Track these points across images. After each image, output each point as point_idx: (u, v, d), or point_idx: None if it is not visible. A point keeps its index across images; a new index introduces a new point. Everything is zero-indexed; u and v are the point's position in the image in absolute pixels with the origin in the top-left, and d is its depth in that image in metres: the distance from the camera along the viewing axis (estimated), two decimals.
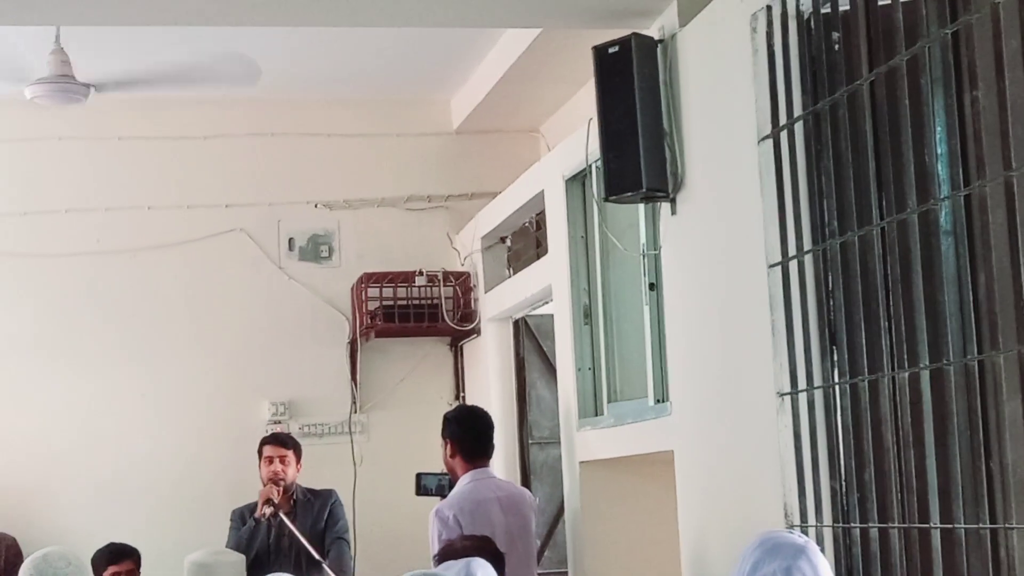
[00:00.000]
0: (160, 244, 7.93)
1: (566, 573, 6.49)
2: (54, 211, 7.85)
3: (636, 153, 4.87)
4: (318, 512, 7.00)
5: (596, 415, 6.02)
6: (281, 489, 6.90)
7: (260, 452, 7.11)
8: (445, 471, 6.36)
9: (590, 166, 5.77)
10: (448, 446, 6.19)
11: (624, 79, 4.90)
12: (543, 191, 6.56)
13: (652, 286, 5.32)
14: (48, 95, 6.93)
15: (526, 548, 5.95)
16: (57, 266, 7.82)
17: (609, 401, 5.90)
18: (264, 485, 6.99)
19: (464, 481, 6.10)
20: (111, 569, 6.50)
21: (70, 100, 7.00)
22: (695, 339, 4.83)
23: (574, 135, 5.96)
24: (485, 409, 6.59)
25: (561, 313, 6.30)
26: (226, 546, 6.78)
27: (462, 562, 3.68)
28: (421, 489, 6.80)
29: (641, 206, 5.31)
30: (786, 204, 4.13)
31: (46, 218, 7.85)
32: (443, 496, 6.28)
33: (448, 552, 4.98)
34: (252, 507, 7.01)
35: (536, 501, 7.32)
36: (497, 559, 5.02)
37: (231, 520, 7.07)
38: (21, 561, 6.86)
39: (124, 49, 7.04)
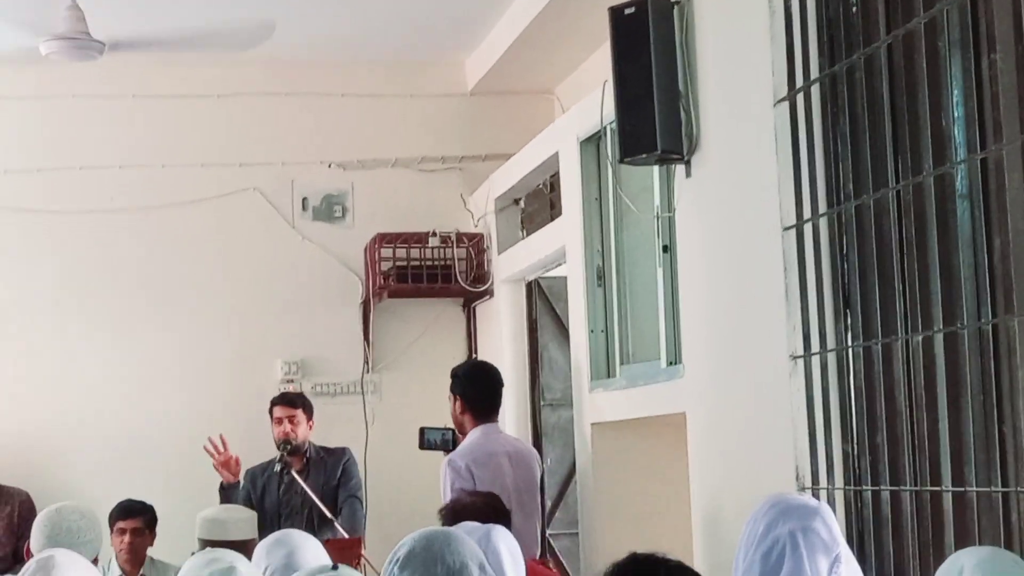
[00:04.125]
0: (174, 203, 7.93)
1: (577, 534, 6.51)
2: (68, 168, 7.85)
3: (651, 115, 4.86)
4: (331, 470, 7.03)
5: (608, 377, 6.02)
6: (289, 452, 6.90)
7: (271, 412, 7.14)
8: (448, 426, 6.41)
9: (605, 128, 5.76)
10: (457, 402, 6.23)
11: (640, 40, 4.88)
12: (557, 153, 6.55)
13: (666, 248, 5.31)
14: (63, 51, 6.94)
15: (532, 504, 5.99)
16: (71, 223, 7.84)
17: (621, 363, 5.90)
18: (276, 446, 7.02)
19: (475, 435, 6.15)
20: (119, 524, 6.54)
21: (85, 57, 7.01)
22: (709, 301, 4.83)
23: (589, 97, 5.94)
24: (494, 365, 6.62)
25: (574, 275, 6.30)
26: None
27: (483, 529, 3.67)
28: (425, 443, 6.84)
29: (656, 168, 5.29)
30: (801, 167, 4.13)
31: (60, 175, 7.85)
32: (447, 451, 6.32)
33: (457, 507, 5.00)
34: (263, 466, 7.04)
35: (548, 462, 7.39)
36: (503, 517, 5.05)
37: (243, 478, 7.11)
38: (33, 516, 6.93)
39: (139, 6, 7.03)
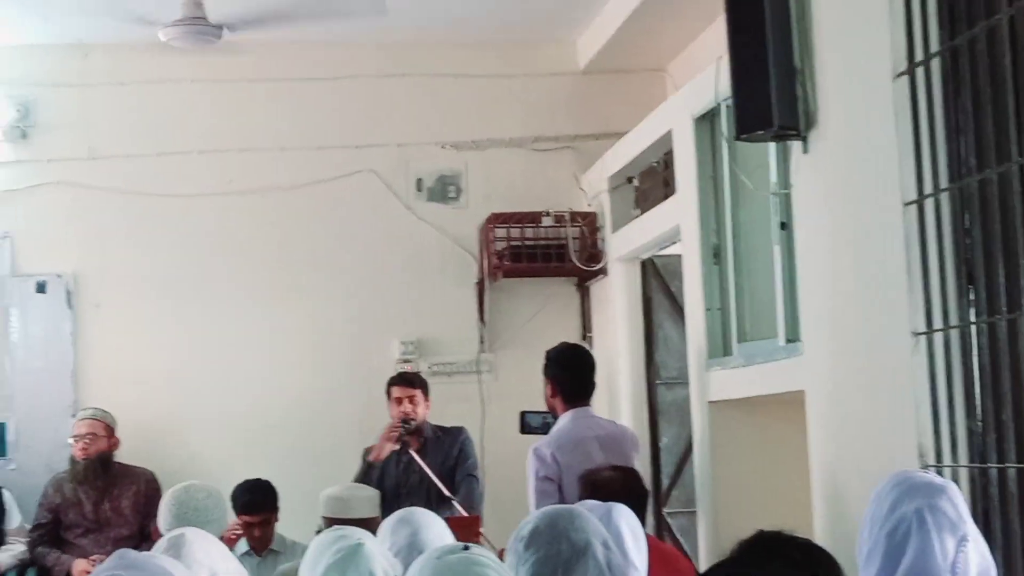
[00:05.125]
0: (291, 185, 8.03)
1: (694, 513, 6.50)
2: (187, 152, 7.98)
3: (767, 91, 4.81)
4: (448, 449, 7.08)
5: (725, 355, 6.00)
6: (396, 435, 6.94)
7: (388, 392, 7.20)
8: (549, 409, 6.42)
9: (719, 104, 5.72)
10: (549, 385, 6.23)
11: (755, 15, 4.83)
12: (671, 130, 6.53)
13: (783, 225, 5.26)
14: (181, 37, 7.06)
15: None
16: (190, 207, 7.97)
17: (739, 341, 5.87)
18: (394, 425, 7.06)
19: (564, 420, 6.14)
20: (244, 518, 6.60)
21: (203, 42, 7.13)
22: (828, 278, 4.78)
23: (703, 73, 5.91)
24: (587, 348, 6.61)
25: (690, 253, 6.28)
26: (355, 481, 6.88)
27: (604, 507, 3.67)
28: (525, 427, 6.86)
29: (772, 144, 5.25)
30: (922, 141, 4.07)
31: (179, 159, 7.98)
32: (547, 434, 6.33)
33: (593, 479, 5.00)
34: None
35: (664, 441, 7.38)
36: (641, 496, 5.05)
37: (363, 457, 7.18)
38: (159, 495, 7.04)
39: None
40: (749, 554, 2.42)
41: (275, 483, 6.90)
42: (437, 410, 7.27)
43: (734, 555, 2.44)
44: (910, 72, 4.11)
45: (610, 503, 3.79)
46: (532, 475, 6.07)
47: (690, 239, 6.25)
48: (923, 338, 4.04)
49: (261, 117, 8.06)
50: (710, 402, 6.05)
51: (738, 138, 5.01)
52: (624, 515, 3.73)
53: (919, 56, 4.08)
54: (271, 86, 8.05)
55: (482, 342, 8.08)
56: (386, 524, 3.93)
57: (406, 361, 7.95)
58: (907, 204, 4.11)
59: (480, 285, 8.07)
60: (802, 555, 2.41)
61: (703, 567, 5.98)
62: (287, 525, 6.95)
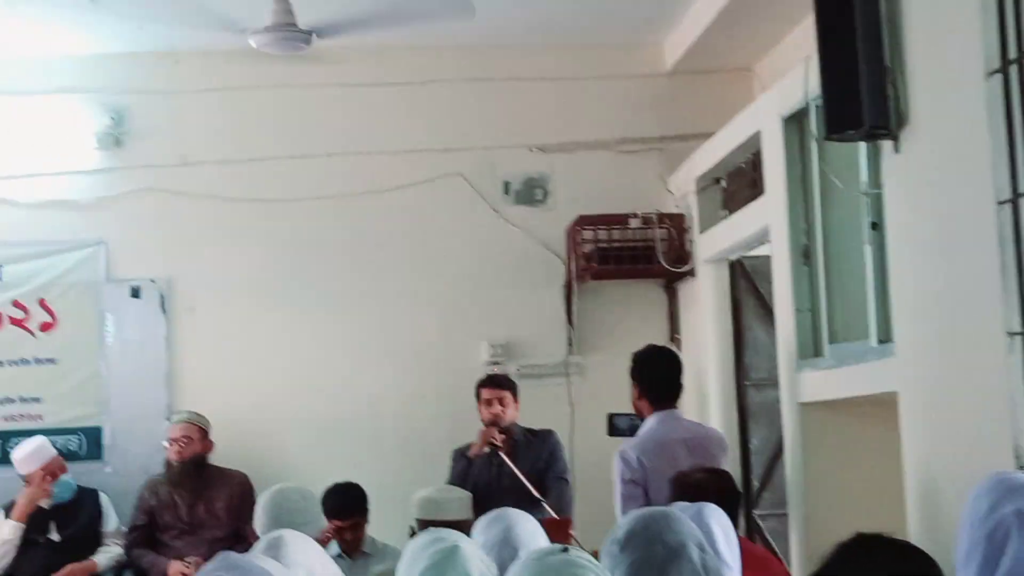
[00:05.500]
0: (380, 189, 8.09)
1: (785, 515, 6.46)
2: (277, 157, 8.06)
3: (857, 90, 4.78)
4: (538, 452, 7.10)
5: (816, 356, 5.97)
6: (501, 432, 7.00)
7: (478, 394, 7.24)
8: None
9: (808, 104, 5.69)
10: (635, 387, 6.22)
11: (844, 14, 4.80)
12: (759, 131, 6.50)
13: (874, 225, 5.22)
14: (272, 43, 7.13)
15: None
16: (281, 211, 8.05)
17: (830, 342, 5.84)
18: (485, 426, 7.12)
19: (650, 422, 6.13)
20: (335, 523, 6.63)
21: (293, 48, 7.20)
22: (920, 278, 4.75)
23: (791, 73, 5.89)
24: (675, 350, 6.58)
25: (779, 254, 6.25)
26: (447, 483, 6.91)
27: (694, 507, 3.67)
28: (613, 430, 6.86)
29: (862, 144, 5.21)
30: (1016, 139, 4.02)
31: (269, 164, 8.06)
32: (635, 436, 6.32)
33: (685, 481, 5.00)
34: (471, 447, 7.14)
35: (754, 443, 7.35)
36: (733, 498, 5.03)
37: (452, 459, 7.23)
38: (252, 497, 7.13)
39: None
40: (848, 556, 2.41)
41: (365, 486, 6.93)
42: (526, 412, 7.30)
43: (833, 557, 2.43)
44: (1003, 70, 4.07)
45: (701, 503, 3.79)
46: (617, 478, 6.07)
47: (779, 240, 6.22)
48: (1018, 338, 4.00)
49: (349, 122, 8.12)
50: (801, 404, 6.02)
51: (828, 138, 4.99)
52: (715, 514, 3.72)
53: (1012, 54, 4.04)
54: (359, 91, 8.11)
55: (570, 344, 8.09)
56: (480, 523, 3.95)
57: (495, 364, 7.98)
58: (1000, 203, 4.07)
59: (568, 287, 8.08)
60: (902, 556, 2.40)
61: (795, 570, 5.96)
62: (377, 527, 7.00)
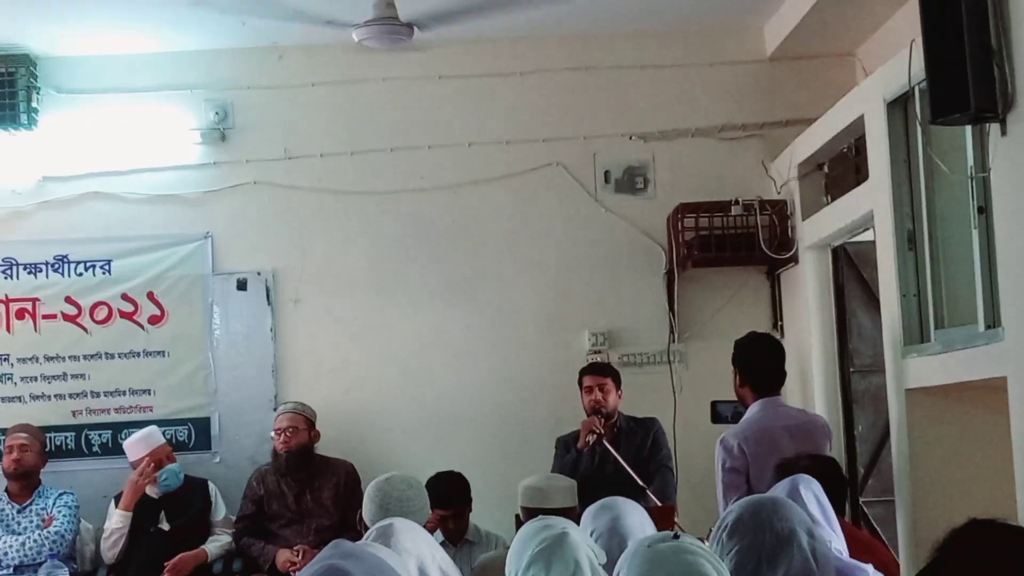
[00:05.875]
0: (481, 179, 8.12)
1: (891, 502, 6.42)
2: (380, 150, 8.11)
3: (963, 73, 4.74)
4: (641, 440, 7.11)
5: (922, 342, 5.91)
6: (603, 420, 7.02)
7: (580, 382, 7.26)
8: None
9: (913, 88, 5.64)
10: (738, 375, 6.21)
11: None
12: (863, 115, 6.45)
13: (981, 210, 5.17)
14: (374, 37, 7.20)
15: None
16: (383, 203, 8.10)
17: (936, 328, 5.78)
18: (587, 415, 7.13)
19: (753, 410, 6.14)
20: (438, 512, 6.68)
21: (395, 42, 7.26)
22: None
23: (895, 57, 5.83)
24: (777, 337, 6.55)
25: (883, 239, 6.20)
26: (551, 472, 6.94)
27: (788, 479, 3.68)
28: (716, 417, 6.88)
29: (968, 128, 5.16)
30: None
31: (372, 157, 8.12)
32: (738, 423, 6.32)
33: (788, 469, 4.99)
34: (575, 435, 7.16)
35: (859, 429, 7.29)
36: (839, 485, 5.01)
37: (556, 448, 7.25)
38: (358, 486, 7.23)
39: None
40: (963, 541, 2.39)
41: (468, 474, 7.00)
42: (628, 400, 7.31)
43: (947, 543, 2.41)
44: None
45: (798, 475, 3.80)
46: (719, 466, 6.08)
47: (883, 225, 6.16)
48: None
49: (450, 113, 8.16)
50: (907, 390, 5.97)
51: (933, 122, 4.94)
52: (806, 482, 3.74)
53: None
54: (459, 82, 8.14)
55: (672, 332, 8.06)
56: (588, 511, 3.98)
57: (596, 352, 7.98)
58: None
59: (669, 275, 8.05)
60: (1019, 541, 2.38)
61: (902, 556, 5.92)
62: (481, 515, 7.05)
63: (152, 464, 7.43)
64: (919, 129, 5.78)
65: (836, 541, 3.77)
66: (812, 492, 3.86)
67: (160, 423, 7.80)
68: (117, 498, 7.48)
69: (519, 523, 5.17)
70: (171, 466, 7.50)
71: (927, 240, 5.85)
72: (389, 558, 2.78)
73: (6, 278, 8.00)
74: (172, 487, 7.48)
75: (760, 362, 6.32)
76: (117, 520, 7.37)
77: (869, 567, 3.80)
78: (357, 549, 2.70)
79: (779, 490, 3.87)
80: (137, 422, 7.82)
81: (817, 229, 7.39)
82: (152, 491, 7.46)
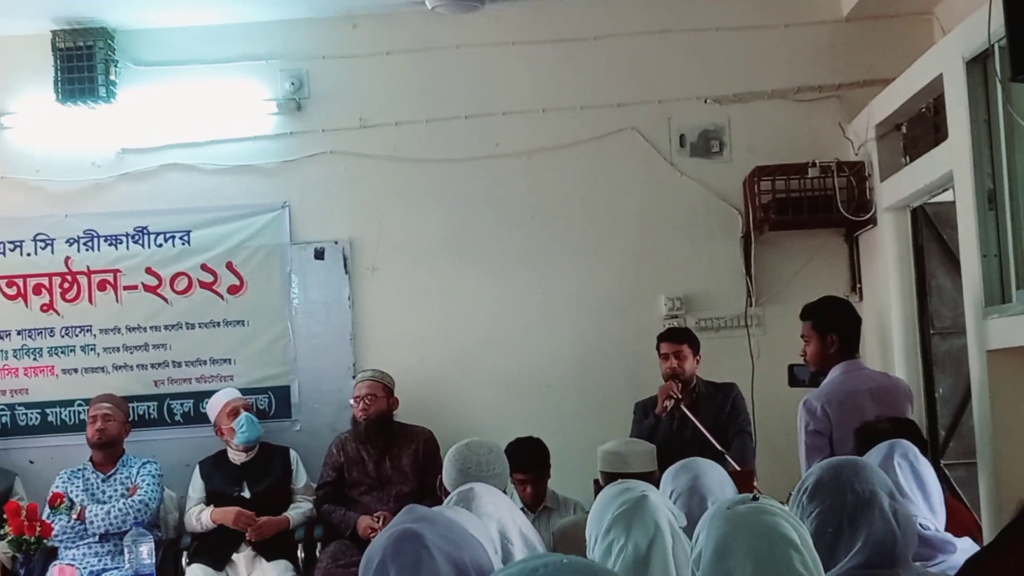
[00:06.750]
0: (555, 145, 8.11)
1: (973, 464, 6.37)
2: (455, 117, 8.13)
3: None
4: (720, 405, 7.09)
5: (1004, 303, 5.85)
6: (680, 385, 7.01)
7: (658, 348, 7.25)
8: None
9: (993, 45, 5.56)
10: (817, 339, 6.21)
11: None
12: (941, 74, 6.37)
13: None
14: (448, 4, 7.19)
15: None
16: (458, 171, 8.12)
17: (1018, 288, 5.72)
18: (664, 380, 7.12)
19: (835, 372, 6.12)
20: (517, 476, 6.74)
21: (468, 8, 7.25)
22: None
23: (974, 15, 5.75)
24: (849, 302, 6.53)
25: (963, 199, 6.13)
26: (629, 437, 6.94)
27: (885, 443, 3.66)
28: (794, 380, 6.87)
29: None
30: None
31: (446, 124, 8.14)
32: (815, 386, 6.29)
33: (869, 431, 4.97)
34: (653, 400, 7.15)
35: (940, 392, 7.23)
36: (919, 445, 4.98)
37: (634, 413, 7.25)
38: (437, 453, 7.27)
39: None
40: None
41: (547, 440, 7.02)
42: (706, 365, 7.29)
43: None
44: None
45: (892, 441, 3.78)
46: (802, 429, 6.07)
47: (963, 185, 6.09)
48: None
49: (524, 79, 8.15)
50: (989, 351, 5.91)
51: (1014, 79, 4.88)
52: (900, 445, 3.71)
53: None
54: (533, 48, 8.13)
55: (749, 296, 8.02)
56: (668, 472, 3.98)
57: (673, 317, 7.97)
58: None
59: (746, 239, 8.00)
60: None
61: (984, 518, 5.87)
62: (559, 481, 7.07)
63: (232, 415, 7.53)
64: (999, 87, 5.70)
65: (927, 517, 3.72)
66: (908, 461, 3.82)
67: (241, 392, 7.87)
68: (201, 464, 7.60)
69: (598, 488, 5.17)
70: (246, 414, 7.58)
71: (1008, 199, 5.78)
72: (469, 522, 2.80)
73: (88, 250, 8.10)
74: (251, 438, 7.57)
75: (843, 325, 6.32)
76: (203, 519, 7.46)
77: (962, 541, 3.75)
78: (430, 513, 2.72)
79: (873, 457, 3.84)
80: (218, 391, 7.90)
81: (896, 190, 7.32)
82: (235, 450, 7.54)
